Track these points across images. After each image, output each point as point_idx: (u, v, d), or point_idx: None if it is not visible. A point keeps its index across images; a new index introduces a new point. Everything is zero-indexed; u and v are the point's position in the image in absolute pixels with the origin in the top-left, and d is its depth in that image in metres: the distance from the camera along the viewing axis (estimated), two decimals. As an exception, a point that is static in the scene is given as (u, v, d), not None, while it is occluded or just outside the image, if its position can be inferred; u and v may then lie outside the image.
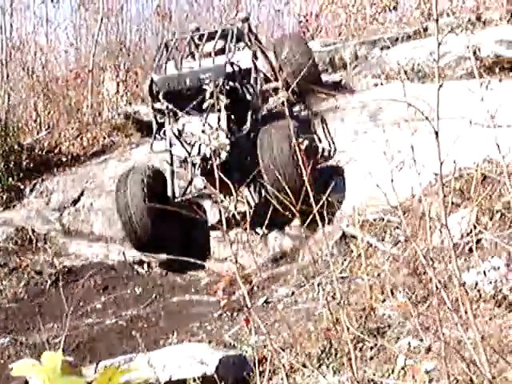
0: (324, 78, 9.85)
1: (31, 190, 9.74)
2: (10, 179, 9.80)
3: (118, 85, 11.75)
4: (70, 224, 8.96)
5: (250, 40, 8.63)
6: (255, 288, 6.44)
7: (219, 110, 7.66)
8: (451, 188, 4.15)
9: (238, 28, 8.58)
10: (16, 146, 10.17)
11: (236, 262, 3.55)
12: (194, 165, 7.67)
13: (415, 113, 2.42)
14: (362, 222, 6.28)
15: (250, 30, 8.80)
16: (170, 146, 7.91)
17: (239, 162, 7.76)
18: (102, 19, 12.26)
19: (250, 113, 8.04)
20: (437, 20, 2.14)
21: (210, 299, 6.72)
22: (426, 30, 10.17)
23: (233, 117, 7.92)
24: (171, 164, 8.06)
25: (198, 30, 8.96)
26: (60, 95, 11.64)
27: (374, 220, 6.56)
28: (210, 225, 8.09)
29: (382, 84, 9.16)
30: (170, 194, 8.00)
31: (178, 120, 7.94)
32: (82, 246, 8.44)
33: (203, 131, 7.49)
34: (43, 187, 9.73)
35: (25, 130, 11.01)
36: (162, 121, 8.10)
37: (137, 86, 11.67)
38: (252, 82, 8.25)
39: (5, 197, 9.61)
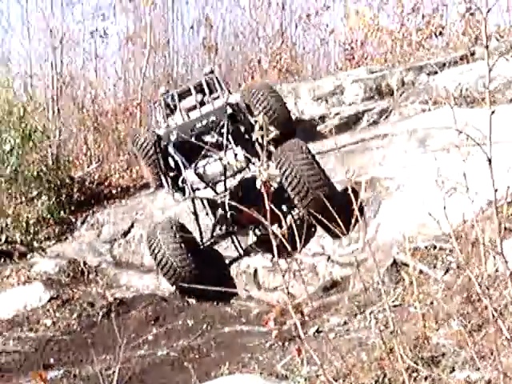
0: (371, 105, 9.83)
1: (82, 223, 9.88)
2: (62, 212, 9.97)
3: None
4: (120, 256, 9.05)
5: (221, 88, 8.83)
6: (306, 317, 6.39)
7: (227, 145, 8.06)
8: (504, 213, 4.07)
9: (208, 79, 8.85)
10: (67, 180, 10.37)
11: (287, 291, 3.53)
12: (223, 202, 7.82)
13: (467, 139, 2.40)
14: (412, 249, 6.20)
15: (217, 80, 8.98)
16: (193, 191, 8.03)
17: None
18: (149, 53, 12.47)
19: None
20: (487, 46, 2.12)
21: (260, 329, 6.67)
22: (473, 54, 10.07)
23: (244, 151, 8.11)
24: (195, 212, 8.31)
25: (167, 91, 9.13)
26: (109, 128, 11.84)
27: (426, 247, 6.47)
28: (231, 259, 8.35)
29: (429, 110, 9.09)
30: (199, 240, 8.24)
31: (194, 166, 8.13)
32: (132, 277, 8.50)
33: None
34: (94, 220, 9.87)
35: (76, 163, 11.20)
36: (174, 173, 8.33)
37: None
38: (248, 116, 8.54)
39: (57, 230, 9.77)
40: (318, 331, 6.15)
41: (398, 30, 12.42)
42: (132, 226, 9.35)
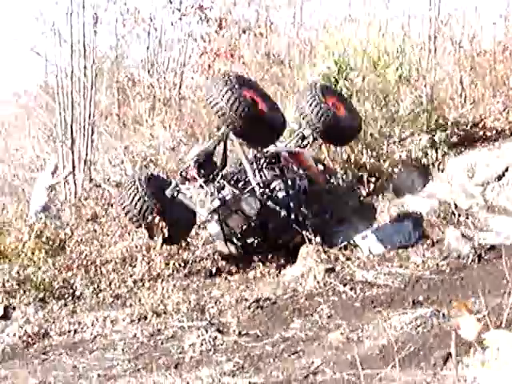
0: None
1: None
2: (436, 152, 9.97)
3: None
4: (493, 200, 8.80)
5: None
6: None
7: None
8: None
9: None
10: (441, 121, 10.29)
11: None
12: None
13: None
14: None
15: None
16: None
17: None
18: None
19: None
20: None
21: None
22: None
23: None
24: None
25: None
26: (486, 69, 11.42)
27: None
28: None
29: None
30: None
31: None
32: (505, 223, 8.21)
33: None
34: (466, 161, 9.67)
35: (449, 104, 11.04)
36: None
37: None
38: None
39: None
40: None
41: None
42: (506, 170, 9.01)
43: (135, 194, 8.20)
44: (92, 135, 13.73)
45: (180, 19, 15.15)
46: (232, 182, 8.54)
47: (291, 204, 8.40)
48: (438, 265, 7.71)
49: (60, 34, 13.79)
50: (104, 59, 16.49)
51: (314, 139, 9.25)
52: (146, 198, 8.17)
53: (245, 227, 8.24)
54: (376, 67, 10.16)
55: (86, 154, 13.47)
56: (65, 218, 11.40)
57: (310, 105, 8.89)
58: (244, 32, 14.53)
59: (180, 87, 14.71)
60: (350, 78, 10.12)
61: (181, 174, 8.66)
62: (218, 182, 8.36)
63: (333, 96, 9.33)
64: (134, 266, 8.32)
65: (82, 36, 13.54)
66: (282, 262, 8.24)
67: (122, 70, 16.34)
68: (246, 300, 7.36)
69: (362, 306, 6.74)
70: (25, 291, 8.11)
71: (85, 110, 13.56)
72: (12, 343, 6.95)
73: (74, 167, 13.31)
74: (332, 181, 9.21)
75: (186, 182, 8.53)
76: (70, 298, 8.07)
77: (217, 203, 8.07)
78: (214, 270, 8.40)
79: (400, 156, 10.02)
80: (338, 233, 8.61)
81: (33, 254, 9.17)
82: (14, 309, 7.87)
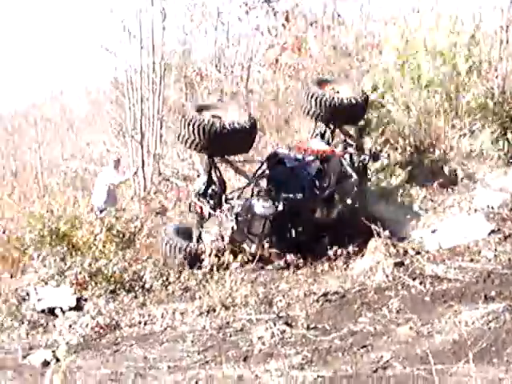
0: None
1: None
2: (506, 145, 9.78)
3: None
4: None
5: None
6: None
7: None
8: None
9: None
10: (512, 113, 10.10)
11: None
12: None
13: None
14: None
15: None
16: None
17: None
18: None
19: None
20: None
21: None
22: None
23: None
24: None
25: None
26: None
27: None
28: None
29: None
30: None
31: None
32: None
33: None
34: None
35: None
36: None
37: None
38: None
39: (499, 162, 9.63)
40: None
41: None
42: None
43: (167, 243, 8.85)
44: (161, 129, 13.91)
45: (247, 13, 15.16)
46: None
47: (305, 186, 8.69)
48: (510, 259, 7.51)
49: (129, 30, 13.98)
50: (172, 54, 16.63)
51: (332, 131, 9.67)
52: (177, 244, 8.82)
53: (270, 227, 8.49)
54: (446, 58, 9.98)
55: (155, 148, 13.66)
56: (134, 211, 11.59)
57: (307, 98, 9.41)
58: (311, 25, 14.46)
59: (247, 81, 14.73)
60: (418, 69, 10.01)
61: (190, 209, 9.20)
62: (228, 203, 8.72)
63: (329, 83, 9.84)
64: (203, 259, 8.42)
65: (151, 32, 13.71)
66: (350, 255, 8.21)
67: (190, 65, 16.45)
68: (314, 293, 7.35)
69: (432, 301, 6.64)
70: (96, 283, 8.30)
71: (154, 105, 13.76)
72: (85, 334, 7.13)
73: (143, 161, 13.50)
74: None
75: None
76: (140, 290, 8.22)
77: (232, 219, 8.46)
78: (281, 264, 8.42)
79: (470, 149, 9.85)
80: (406, 226, 8.52)
81: (104, 246, 9.38)
82: (85, 300, 8.07)
